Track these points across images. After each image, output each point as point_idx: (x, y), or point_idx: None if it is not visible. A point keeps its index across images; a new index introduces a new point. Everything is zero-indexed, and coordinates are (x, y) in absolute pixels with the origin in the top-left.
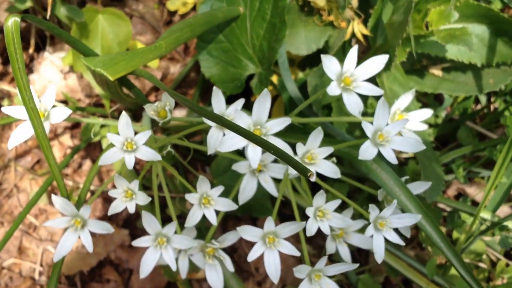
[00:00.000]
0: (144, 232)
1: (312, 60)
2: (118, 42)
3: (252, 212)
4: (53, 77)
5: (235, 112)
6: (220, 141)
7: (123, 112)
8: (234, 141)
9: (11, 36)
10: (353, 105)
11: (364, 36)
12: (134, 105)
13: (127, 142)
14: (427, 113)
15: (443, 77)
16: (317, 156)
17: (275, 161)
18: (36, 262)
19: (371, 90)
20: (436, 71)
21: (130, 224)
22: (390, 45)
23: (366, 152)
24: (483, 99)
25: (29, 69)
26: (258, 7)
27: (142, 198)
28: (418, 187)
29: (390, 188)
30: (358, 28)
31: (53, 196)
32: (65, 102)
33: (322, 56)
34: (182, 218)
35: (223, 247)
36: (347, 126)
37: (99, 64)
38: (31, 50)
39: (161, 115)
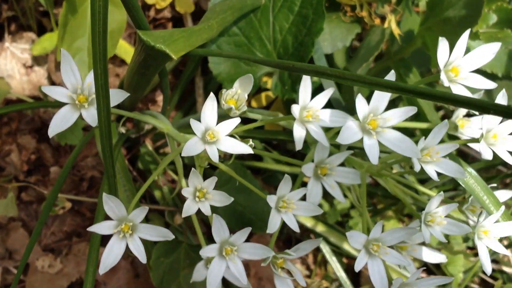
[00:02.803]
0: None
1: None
2: (110, 32)
3: (253, 228)
4: (14, 71)
5: (357, 99)
6: (340, 133)
7: (211, 95)
8: (351, 132)
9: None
10: None
11: None
12: (132, 103)
13: (209, 132)
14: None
15: None
16: (438, 153)
17: (342, 164)
18: None
19: (480, 82)
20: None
21: (105, 240)
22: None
23: (486, 153)
24: None
25: None
26: None
27: (220, 199)
28: (505, 195)
29: (478, 195)
30: (396, 25)
31: (104, 194)
32: (37, 98)
33: (440, 38)
34: None
35: (297, 257)
36: None
37: (159, 40)
38: None
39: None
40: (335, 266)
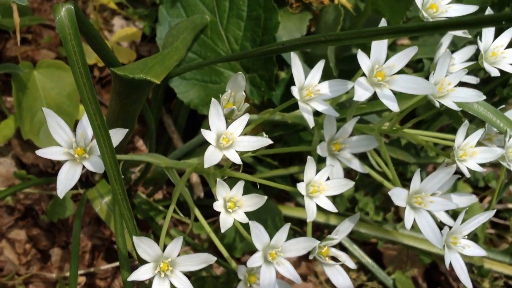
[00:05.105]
0: None
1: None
2: (67, 95)
3: None
4: None
5: (358, 55)
6: (354, 92)
7: (213, 100)
8: (364, 88)
9: (66, 30)
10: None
11: None
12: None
13: (222, 138)
14: (471, 50)
15: (413, 44)
16: (451, 84)
17: (352, 134)
18: None
19: (461, 10)
20: (404, 41)
21: None
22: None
23: (492, 71)
24: None
25: None
26: (229, 6)
27: (253, 202)
28: None
29: (491, 119)
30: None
31: (134, 237)
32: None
33: None
34: None
35: (339, 240)
36: None
37: (136, 71)
38: None
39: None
40: (359, 254)
